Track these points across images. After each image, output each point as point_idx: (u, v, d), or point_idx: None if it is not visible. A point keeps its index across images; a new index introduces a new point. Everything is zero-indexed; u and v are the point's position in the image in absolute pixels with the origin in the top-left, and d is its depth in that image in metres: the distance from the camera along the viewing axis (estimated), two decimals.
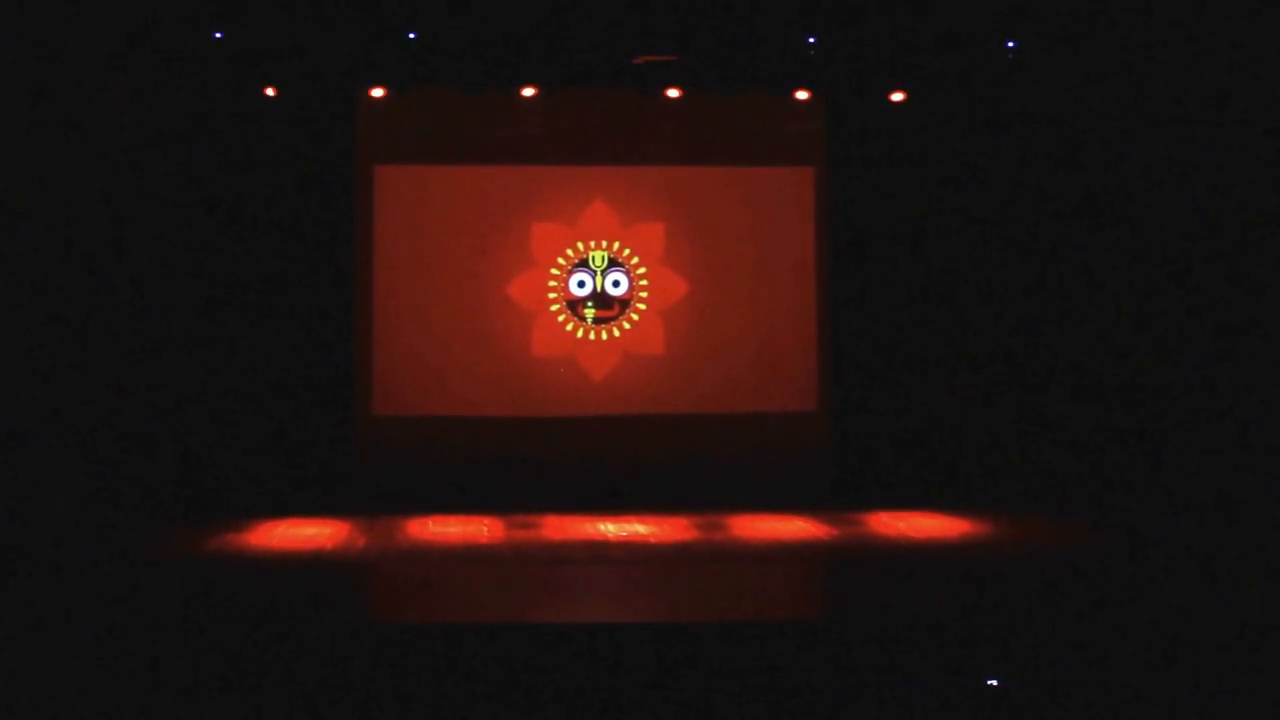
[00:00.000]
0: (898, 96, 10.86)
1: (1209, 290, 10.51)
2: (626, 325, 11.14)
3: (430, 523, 9.82)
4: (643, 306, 11.16)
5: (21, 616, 6.80)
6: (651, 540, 9.26)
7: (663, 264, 11.18)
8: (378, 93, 10.64)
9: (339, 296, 10.79)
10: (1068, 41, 10.51)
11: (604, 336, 11.13)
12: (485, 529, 9.63)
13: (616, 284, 11.14)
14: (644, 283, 11.17)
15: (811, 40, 10.39)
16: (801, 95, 10.93)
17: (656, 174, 11.18)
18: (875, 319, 11.19)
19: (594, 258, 11.14)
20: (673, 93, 10.82)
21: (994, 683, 6.12)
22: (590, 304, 11.12)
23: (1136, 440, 10.71)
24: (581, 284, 11.12)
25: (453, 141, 11.02)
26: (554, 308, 11.10)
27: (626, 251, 11.16)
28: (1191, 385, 10.51)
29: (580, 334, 11.10)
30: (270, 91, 10.42)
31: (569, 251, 11.13)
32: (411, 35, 10.13)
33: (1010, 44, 10.41)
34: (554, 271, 11.11)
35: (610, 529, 9.65)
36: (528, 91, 10.71)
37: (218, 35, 9.99)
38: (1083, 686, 6.12)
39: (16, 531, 9.11)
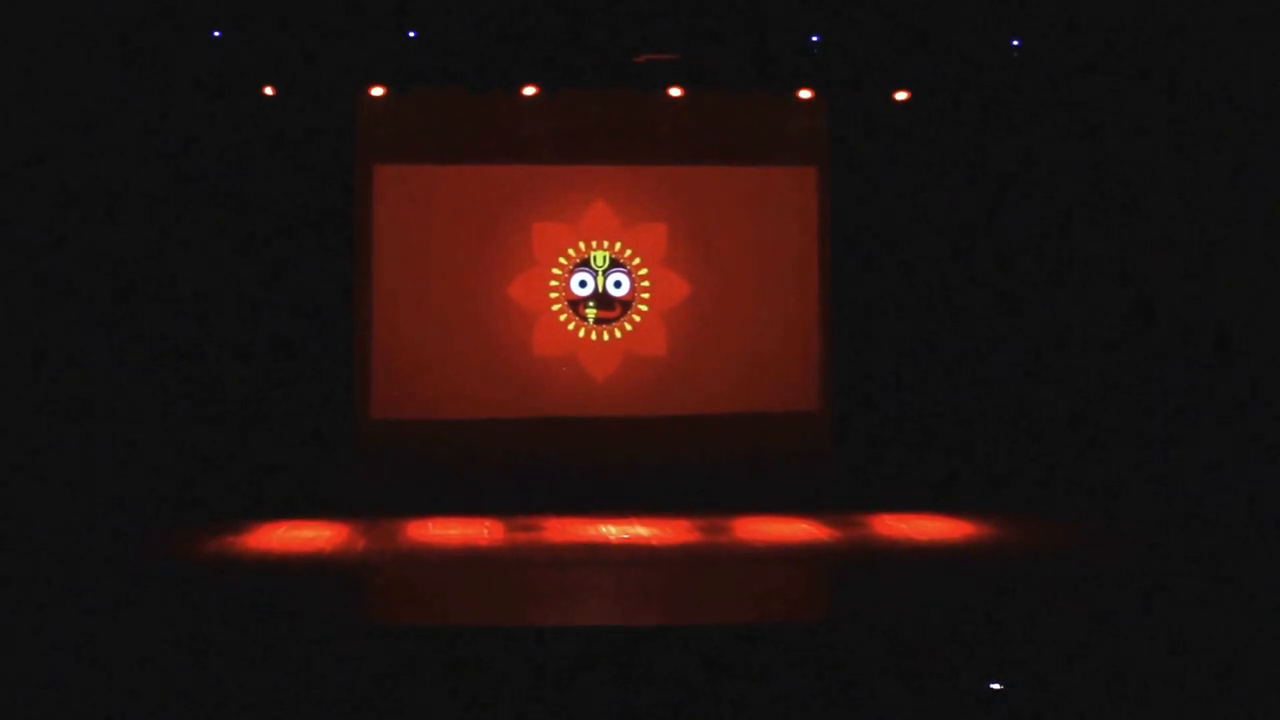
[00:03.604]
0: (901, 96, 10.83)
1: (1212, 290, 10.48)
2: (628, 326, 11.10)
3: (431, 525, 9.81)
4: (644, 308, 11.13)
5: (20, 617, 6.77)
6: (653, 542, 9.24)
7: (664, 265, 11.15)
8: (378, 91, 10.60)
9: (338, 297, 10.74)
10: (1071, 40, 10.47)
11: (606, 338, 11.09)
12: (486, 531, 9.61)
13: (618, 284, 11.10)
14: (645, 284, 11.13)
15: (814, 39, 10.36)
16: (804, 94, 10.91)
17: (658, 173, 11.15)
18: (878, 319, 11.16)
19: (595, 258, 11.10)
20: (674, 92, 10.79)
21: (997, 686, 6.08)
22: (592, 304, 11.08)
23: (1138, 441, 10.67)
24: (583, 284, 11.08)
25: (453, 140, 10.98)
26: (555, 307, 11.06)
27: (628, 252, 11.12)
28: (1194, 385, 10.47)
29: (582, 334, 11.06)
30: (269, 90, 10.39)
31: (570, 251, 11.09)
32: (412, 34, 10.09)
33: (1014, 42, 10.38)
34: (555, 271, 11.07)
35: (612, 531, 9.62)
36: (529, 90, 10.67)
37: (216, 34, 9.95)
38: (1084, 688, 6.11)
39: (15, 532, 9.07)
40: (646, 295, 11.14)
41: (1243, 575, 7.93)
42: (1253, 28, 10.06)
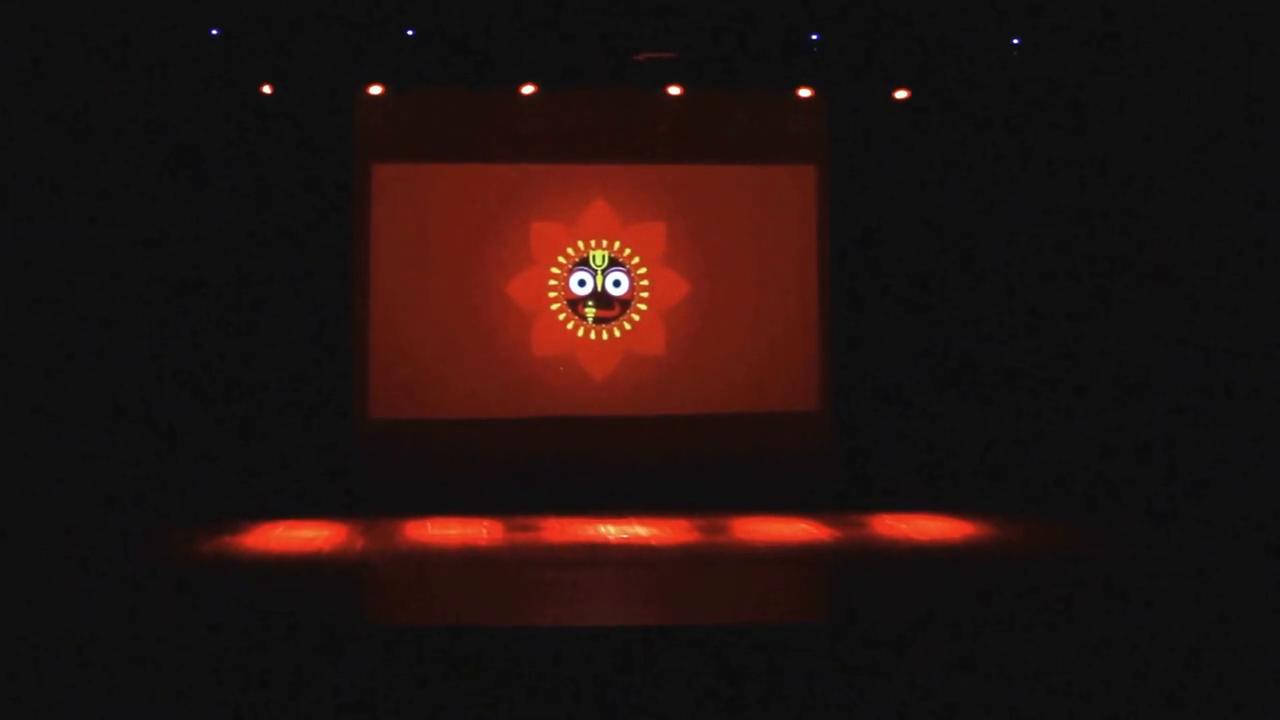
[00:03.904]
0: (901, 94, 10.80)
1: (1214, 290, 10.44)
2: (627, 325, 11.07)
3: (429, 525, 9.77)
4: (644, 307, 11.10)
5: (18, 617, 6.74)
6: (652, 542, 9.20)
7: (663, 264, 11.12)
8: (376, 90, 10.56)
9: (336, 297, 10.70)
10: (1072, 38, 10.45)
11: (605, 337, 11.06)
12: (485, 531, 9.57)
13: (617, 283, 11.07)
14: (645, 283, 11.10)
15: (814, 37, 10.33)
16: (804, 93, 10.88)
17: (657, 172, 11.11)
18: (878, 318, 11.12)
19: (594, 257, 11.07)
20: (674, 90, 10.75)
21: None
22: (591, 303, 11.05)
23: (1139, 441, 10.64)
24: (582, 283, 11.05)
25: (451, 139, 10.95)
26: (554, 307, 11.03)
27: (627, 251, 11.09)
28: (1194, 386, 10.45)
29: (581, 333, 11.03)
30: (267, 89, 10.35)
31: (569, 250, 11.06)
32: (410, 32, 10.06)
33: (1015, 41, 10.35)
34: (554, 271, 11.04)
35: (611, 531, 9.59)
36: (527, 89, 10.64)
37: (214, 32, 9.92)
38: (1085, 688, 6.08)
39: (12, 532, 9.04)
40: (645, 294, 11.11)
41: (1243, 575, 7.89)
42: (1255, 24, 10.03)
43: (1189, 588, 7.57)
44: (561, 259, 11.05)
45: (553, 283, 11.04)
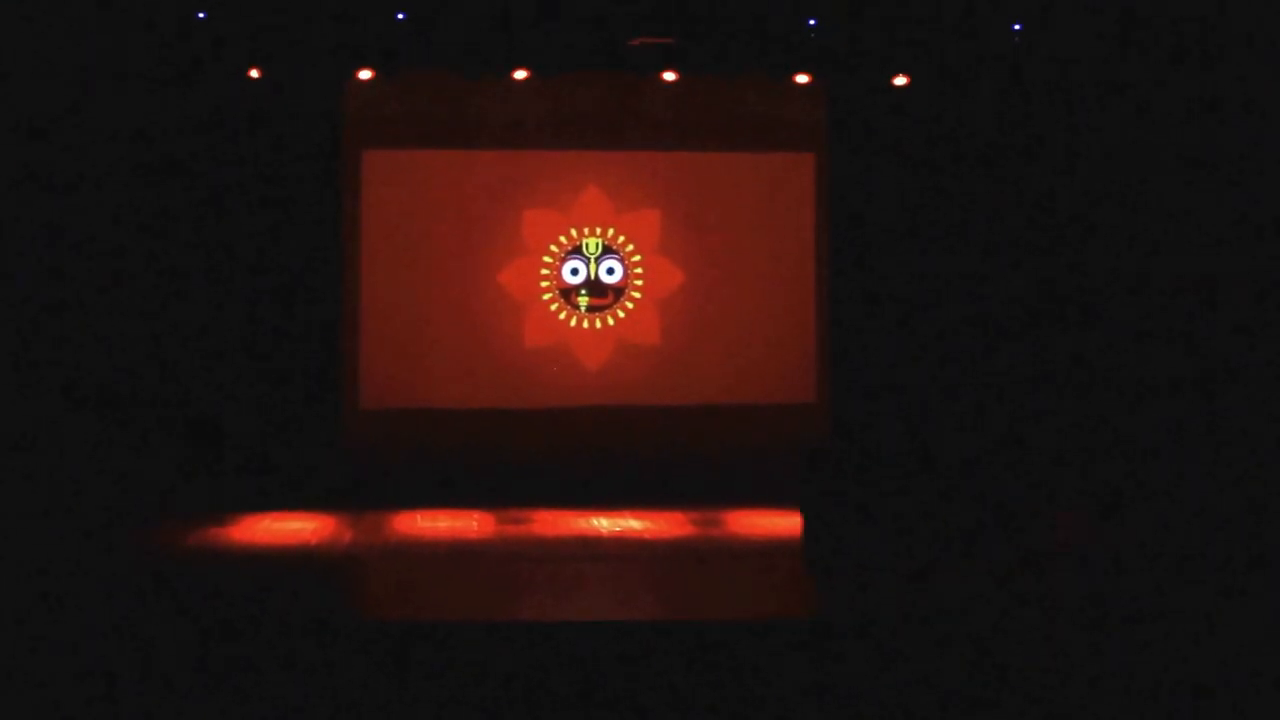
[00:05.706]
0: (900, 80, 10.71)
1: (1213, 287, 10.40)
2: (621, 314, 10.99)
3: (419, 517, 9.78)
4: (638, 295, 11.01)
5: (4, 613, 6.70)
6: (646, 536, 9.22)
7: (658, 252, 11.04)
8: (366, 75, 10.46)
9: (325, 286, 10.65)
10: (1072, 25, 10.37)
11: (598, 325, 10.96)
12: (475, 524, 9.58)
13: (611, 271, 10.99)
14: (639, 271, 11.01)
15: (812, 23, 10.25)
16: (801, 79, 10.77)
17: (652, 159, 11.04)
18: (876, 308, 11.07)
19: (588, 245, 10.98)
20: (669, 76, 10.64)
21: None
22: (584, 292, 10.97)
23: (1138, 438, 10.59)
24: (575, 271, 10.96)
25: (443, 125, 10.87)
26: (546, 296, 10.93)
27: (621, 239, 11.00)
28: (1193, 383, 10.41)
29: (574, 323, 10.94)
30: (255, 74, 10.25)
31: (561, 239, 10.96)
32: (401, 16, 9.96)
33: (1016, 27, 10.28)
34: (546, 259, 10.95)
35: (604, 524, 9.60)
36: (520, 74, 10.54)
37: (201, 16, 9.82)
38: (1084, 688, 6.08)
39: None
40: (640, 283, 11.02)
41: (1242, 575, 7.86)
42: (1257, 10, 9.99)
43: (1188, 586, 7.53)
44: (554, 247, 10.96)
45: (545, 271, 10.94)
